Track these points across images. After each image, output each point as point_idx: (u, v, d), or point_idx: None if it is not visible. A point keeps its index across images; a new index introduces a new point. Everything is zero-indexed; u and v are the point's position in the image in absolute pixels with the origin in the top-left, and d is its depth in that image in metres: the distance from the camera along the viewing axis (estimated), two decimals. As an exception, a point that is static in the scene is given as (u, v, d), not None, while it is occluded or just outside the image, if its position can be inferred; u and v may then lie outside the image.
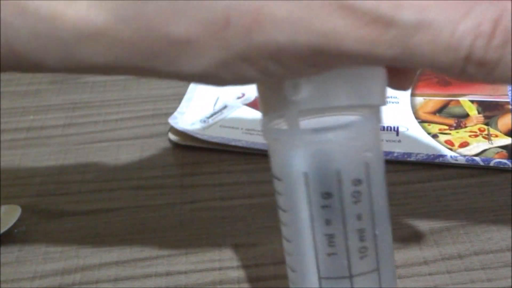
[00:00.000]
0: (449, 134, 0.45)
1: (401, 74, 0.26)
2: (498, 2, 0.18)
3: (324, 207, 0.22)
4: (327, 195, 0.22)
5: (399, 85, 0.26)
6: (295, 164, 0.22)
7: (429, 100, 0.49)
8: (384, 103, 0.23)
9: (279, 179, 0.23)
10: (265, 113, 0.22)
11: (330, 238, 0.22)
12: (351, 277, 0.22)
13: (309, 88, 0.21)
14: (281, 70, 0.19)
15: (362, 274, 0.23)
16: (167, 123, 0.48)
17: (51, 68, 0.20)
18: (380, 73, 0.22)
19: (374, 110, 0.23)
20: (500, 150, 0.44)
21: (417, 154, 0.44)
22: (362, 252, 0.22)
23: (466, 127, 0.46)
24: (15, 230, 0.41)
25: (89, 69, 0.20)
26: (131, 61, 0.19)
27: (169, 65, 0.19)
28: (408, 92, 0.50)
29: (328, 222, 0.22)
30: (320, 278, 0.23)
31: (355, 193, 0.22)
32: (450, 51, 0.18)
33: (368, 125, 0.22)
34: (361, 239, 0.22)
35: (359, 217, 0.22)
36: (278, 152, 0.23)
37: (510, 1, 0.18)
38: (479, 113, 0.47)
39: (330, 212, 0.22)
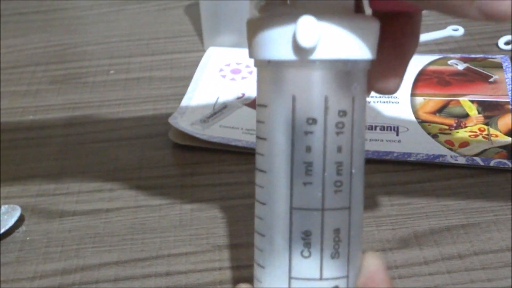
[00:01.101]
0: (449, 134, 0.45)
1: (390, 67, 0.26)
2: None
3: (307, 133, 0.22)
4: (312, 120, 0.22)
5: (386, 84, 0.26)
6: (284, 85, 0.22)
7: (429, 100, 0.49)
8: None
9: (264, 106, 0.23)
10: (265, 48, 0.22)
11: (308, 166, 0.22)
12: (323, 210, 0.22)
13: (321, 38, 0.21)
14: None
15: (333, 209, 0.22)
16: (167, 123, 0.48)
17: None
18: (377, 29, 0.23)
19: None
20: (500, 150, 0.44)
21: (417, 154, 0.44)
22: (337, 186, 0.22)
23: (466, 127, 0.46)
24: (15, 230, 0.41)
25: None
26: None
27: None
28: (408, 92, 0.50)
29: (308, 149, 0.22)
30: (291, 208, 0.22)
31: (339, 123, 0.22)
32: None
33: (360, 63, 0.22)
34: (338, 172, 0.22)
35: (339, 149, 0.22)
36: (268, 76, 0.22)
37: None
38: (479, 113, 0.47)
39: (312, 139, 0.22)
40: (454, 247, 0.37)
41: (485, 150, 0.44)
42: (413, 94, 0.50)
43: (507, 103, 0.48)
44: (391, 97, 0.49)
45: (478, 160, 0.43)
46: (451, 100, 0.49)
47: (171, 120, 0.48)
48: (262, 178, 0.23)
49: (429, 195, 0.41)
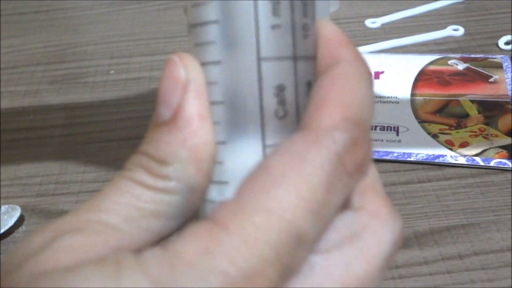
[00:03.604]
0: (449, 134, 0.46)
1: None
2: None
3: None
4: None
5: None
6: None
7: (429, 100, 0.49)
8: None
9: None
10: None
11: (276, 5, 0.18)
12: (295, 58, 0.19)
13: None
14: None
15: (304, 58, 0.19)
16: (167, 123, 0.48)
17: None
18: None
19: None
20: (500, 150, 0.44)
21: (417, 154, 0.44)
22: (305, 29, 0.19)
23: (466, 127, 0.46)
24: (15, 230, 0.41)
25: None
26: None
27: None
28: (408, 92, 0.50)
29: None
30: (259, 59, 0.18)
31: None
32: None
33: None
34: (305, 14, 0.19)
35: None
36: None
37: None
38: (479, 113, 0.47)
39: None
40: (454, 247, 0.37)
41: (485, 150, 0.44)
42: (413, 94, 0.50)
43: (507, 103, 0.48)
44: (391, 97, 0.49)
45: (478, 160, 0.43)
46: (451, 100, 0.49)
47: (171, 120, 0.48)
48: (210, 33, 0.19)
49: (429, 195, 0.41)
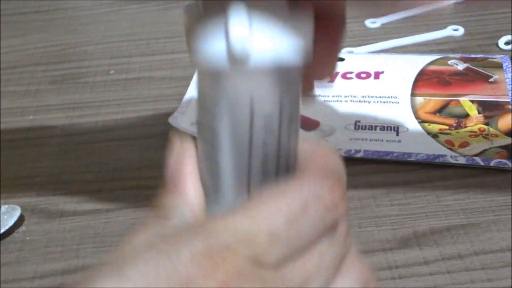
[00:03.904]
0: (449, 134, 0.45)
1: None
2: None
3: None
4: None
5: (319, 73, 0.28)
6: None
7: (429, 100, 0.49)
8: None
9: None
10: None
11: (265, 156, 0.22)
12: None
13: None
14: None
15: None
16: (167, 123, 0.48)
17: None
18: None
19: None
20: (500, 150, 0.44)
21: (417, 154, 0.44)
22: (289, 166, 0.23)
23: (466, 127, 0.46)
24: (15, 230, 0.41)
25: None
26: None
27: None
28: (408, 92, 0.50)
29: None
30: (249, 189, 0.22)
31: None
32: None
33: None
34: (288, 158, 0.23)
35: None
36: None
37: None
38: (479, 113, 0.47)
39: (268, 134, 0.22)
40: (454, 247, 0.37)
41: (485, 150, 0.44)
42: (413, 94, 0.50)
43: (507, 103, 0.48)
44: (391, 97, 0.49)
45: (478, 160, 0.43)
46: (451, 100, 0.49)
47: (171, 120, 0.48)
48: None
49: (429, 195, 0.41)
